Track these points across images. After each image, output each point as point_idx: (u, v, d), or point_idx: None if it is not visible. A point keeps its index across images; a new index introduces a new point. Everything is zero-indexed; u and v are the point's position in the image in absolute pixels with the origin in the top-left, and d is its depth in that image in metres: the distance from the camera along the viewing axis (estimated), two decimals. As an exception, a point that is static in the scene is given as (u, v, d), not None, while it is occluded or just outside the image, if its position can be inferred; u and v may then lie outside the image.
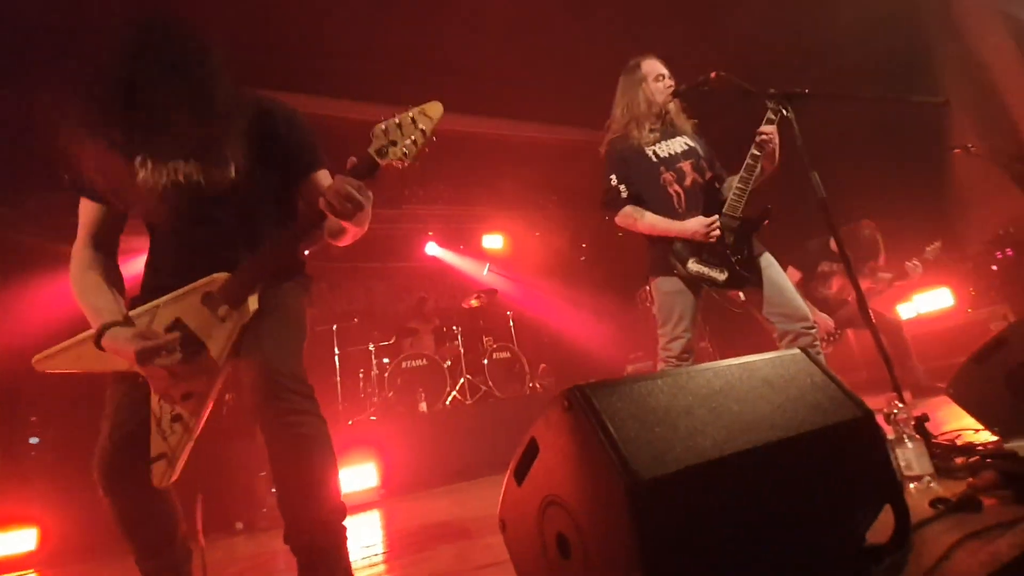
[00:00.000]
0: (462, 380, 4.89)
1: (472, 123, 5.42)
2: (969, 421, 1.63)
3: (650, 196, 2.20)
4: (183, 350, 1.24)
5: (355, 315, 5.55)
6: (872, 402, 1.00)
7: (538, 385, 5.33)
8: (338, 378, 4.90)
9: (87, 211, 1.35)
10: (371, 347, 4.96)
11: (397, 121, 1.25)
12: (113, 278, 1.36)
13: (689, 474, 0.74)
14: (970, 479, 1.17)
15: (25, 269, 4.12)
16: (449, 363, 4.92)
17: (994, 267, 4.18)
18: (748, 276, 2.06)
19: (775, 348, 2.00)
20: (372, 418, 4.43)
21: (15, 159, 4.23)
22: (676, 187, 2.18)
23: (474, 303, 5.79)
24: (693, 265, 2.08)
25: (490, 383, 4.97)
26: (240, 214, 1.36)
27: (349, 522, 1.27)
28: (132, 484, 1.24)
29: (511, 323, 5.81)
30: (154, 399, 1.26)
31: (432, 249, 7.06)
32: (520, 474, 0.93)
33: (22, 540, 3.38)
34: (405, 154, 1.25)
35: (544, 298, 7.11)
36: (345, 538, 1.26)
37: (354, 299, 6.91)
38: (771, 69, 4.84)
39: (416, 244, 7.01)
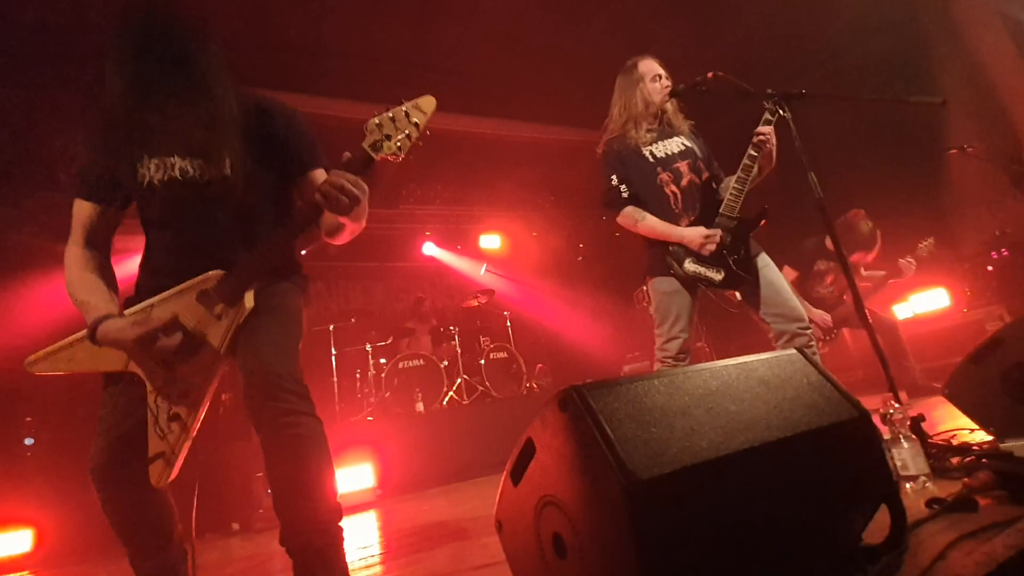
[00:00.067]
0: (459, 380, 4.88)
1: (469, 123, 5.42)
2: (965, 421, 1.63)
3: (647, 196, 2.20)
4: (181, 348, 1.24)
5: (352, 315, 5.53)
6: (868, 402, 1.00)
7: (535, 385, 5.34)
8: (335, 378, 4.89)
9: (81, 210, 1.35)
10: (368, 347, 4.95)
11: (391, 115, 1.25)
12: (107, 276, 1.36)
13: (686, 474, 0.74)
14: (966, 479, 1.17)
15: (21, 269, 4.11)
16: (446, 363, 4.91)
17: (990, 268, 4.20)
18: (745, 276, 2.06)
19: (771, 348, 2.00)
20: (369, 418, 4.42)
21: (12, 159, 4.21)
22: (673, 187, 2.18)
23: (475, 303, 5.79)
24: (690, 265, 2.08)
25: (487, 383, 4.97)
26: (237, 213, 1.36)
27: (346, 523, 1.27)
28: (128, 485, 1.24)
29: (508, 323, 5.81)
30: (151, 398, 1.25)
31: (429, 249, 7.06)
32: (516, 474, 0.93)
33: (18, 541, 3.36)
34: (399, 148, 1.25)
35: (541, 298, 7.11)
36: (341, 539, 1.25)
37: (351, 299, 6.90)
38: (770, 70, 4.87)
39: (413, 244, 7.01)
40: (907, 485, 1.30)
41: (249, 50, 4.10)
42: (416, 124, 1.25)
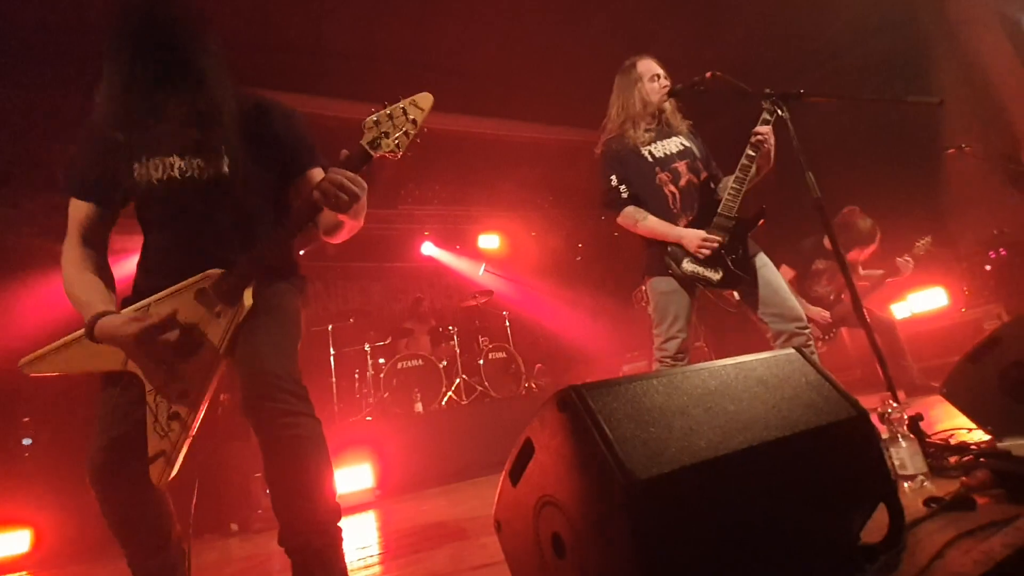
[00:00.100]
0: (458, 380, 4.88)
1: (468, 123, 5.42)
2: (963, 420, 1.64)
3: (646, 196, 2.20)
4: (179, 346, 1.23)
5: (351, 315, 5.52)
6: (866, 401, 1.00)
7: (534, 385, 5.34)
8: (334, 379, 4.89)
9: (77, 210, 1.34)
10: (367, 347, 4.95)
11: (388, 112, 1.25)
12: (105, 276, 1.35)
13: (684, 474, 0.74)
14: (963, 478, 1.17)
15: (20, 270, 4.10)
16: (445, 363, 4.91)
17: (988, 267, 4.21)
18: (743, 276, 2.06)
19: (770, 348, 2.00)
20: (368, 419, 4.41)
21: (12, 160, 4.21)
22: (671, 187, 2.19)
23: (474, 303, 5.79)
24: (688, 265, 2.08)
25: (486, 383, 4.97)
26: (235, 212, 1.36)
27: (345, 523, 1.27)
28: (126, 485, 1.23)
29: (507, 323, 5.81)
30: (150, 397, 1.25)
31: (428, 249, 7.05)
32: (515, 474, 0.93)
33: (16, 542, 3.35)
34: (398, 145, 1.25)
35: (540, 298, 7.11)
36: (340, 539, 1.25)
37: (350, 299, 6.89)
38: (769, 69, 4.87)
39: (412, 244, 7.00)
40: (905, 484, 1.30)
41: (249, 50, 4.10)
42: (414, 121, 1.25)
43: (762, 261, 2.12)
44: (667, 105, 2.28)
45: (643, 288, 2.42)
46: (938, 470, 1.36)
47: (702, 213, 2.12)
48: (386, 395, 4.56)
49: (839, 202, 3.85)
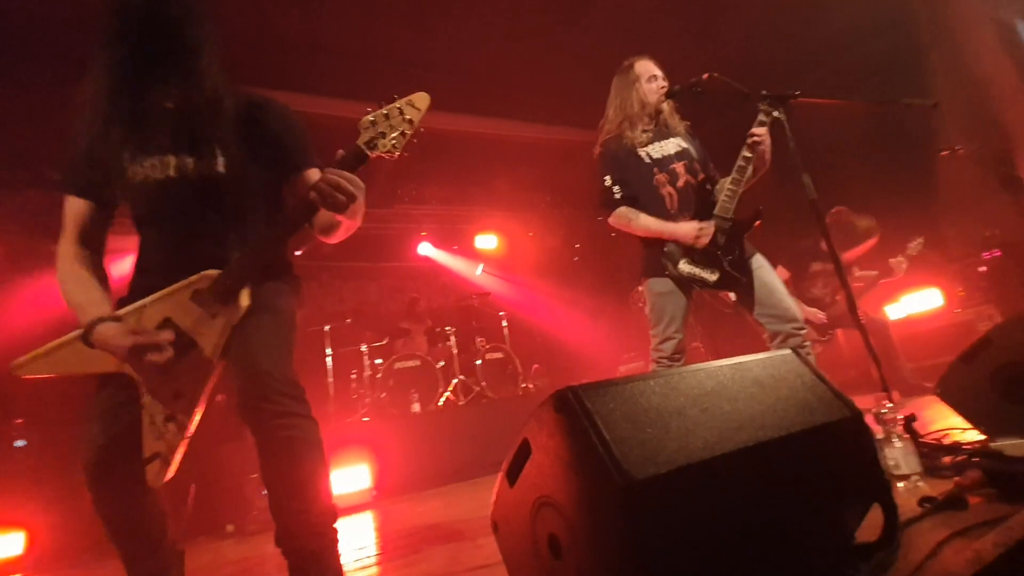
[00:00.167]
0: (455, 381, 4.88)
1: (466, 122, 5.41)
2: (956, 420, 1.65)
3: (643, 197, 2.21)
4: (175, 348, 1.23)
5: (347, 316, 5.50)
6: (861, 401, 1.01)
7: (531, 386, 5.33)
8: (330, 379, 4.87)
9: (73, 207, 1.33)
10: (363, 348, 4.93)
11: (384, 112, 1.25)
12: (100, 275, 1.34)
13: (681, 474, 0.74)
14: (957, 478, 1.18)
15: (10, 269, 4.07)
16: (442, 364, 4.90)
17: (981, 268, 4.24)
18: (739, 277, 2.07)
19: (766, 348, 2.01)
20: (365, 419, 4.40)
21: (3, 158, 4.18)
22: (669, 188, 2.19)
23: (471, 303, 5.79)
24: (684, 266, 2.09)
25: (483, 384, 4.96)
26: (230, 211, 1.35)
27: (341, 524, 1.27)
28: (121, 486, 1.22)
29: (504, 324, 5.81)
30: (146, 399, 1.24)
31: (425, 249, 7.04)
32: (512, 475, 0.93)
33: (9, 544, 3.33)
34: (395, 145, 1.24)
35: (537, 298, 7.11)
36: (337, 541, 1.25)
37: (346, 299, 6.87)
38: (768, 70, 4.89)
39: (409, 244, 6.99)
40: (899, 484, 1.31)
41: (245, 48, 4.08)
42: (410, 121, 1.25)
43: (758, 262, 2.13)
44: (665, 106, 2.29)
45: (640, 289, 2.42)
46: (932, 470, 1.37)
47: (699, 214, 2.12)
48: (383, 396, 4.55)
49: (835, 203, 3.88)
